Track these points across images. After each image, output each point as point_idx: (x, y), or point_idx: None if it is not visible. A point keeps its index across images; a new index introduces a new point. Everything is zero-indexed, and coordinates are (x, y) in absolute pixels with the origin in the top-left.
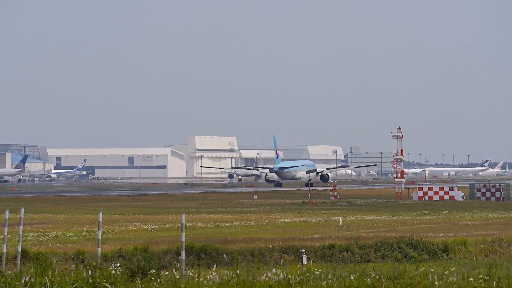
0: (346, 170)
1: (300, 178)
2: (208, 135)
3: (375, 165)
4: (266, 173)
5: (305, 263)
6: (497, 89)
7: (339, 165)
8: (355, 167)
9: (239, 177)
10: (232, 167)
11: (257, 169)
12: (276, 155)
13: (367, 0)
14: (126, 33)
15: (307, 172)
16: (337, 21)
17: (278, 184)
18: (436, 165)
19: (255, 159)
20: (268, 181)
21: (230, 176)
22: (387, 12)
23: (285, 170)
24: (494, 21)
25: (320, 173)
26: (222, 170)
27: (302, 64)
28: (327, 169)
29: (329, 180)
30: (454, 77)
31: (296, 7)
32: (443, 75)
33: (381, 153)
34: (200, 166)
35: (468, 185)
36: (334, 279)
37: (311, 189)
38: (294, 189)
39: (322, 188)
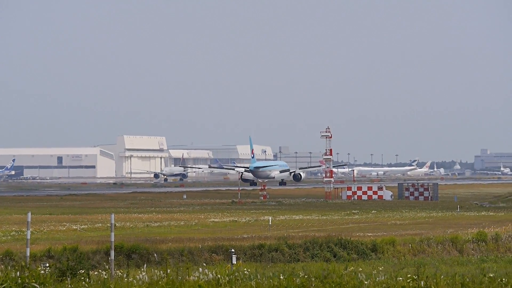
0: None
1: (274, 177)
2: (137, 135)
3: (346, 164)
4: (242, 172)
5: (235, 262)
6: (424, 89)
7: (312, 166)
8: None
9: (165, 177)
10: (209, 166)
11: (233, 169)
12: (252, 155)
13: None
14: (52, 32)
15: (281, 171)
16: (261, 20)
17: (253, 183)
18: (365, 164)
19: (181, 158)
20: (244, 180)
21: (156, 176)
22: (307, 14)
23: (260, 169)
24: (420, 24)
25: (293, 173)
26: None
27: (230, 65)
28: (300, 168)
29: (302, 179)
30: (382, 77)
31: (217, 7)
32: (371, 75)
33: (310, 152)
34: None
35: (397, 185)
36: (264, 279)
37: (240, 188)
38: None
39: (251, 188)
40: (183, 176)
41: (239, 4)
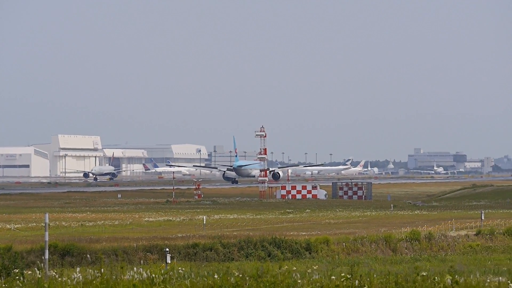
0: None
1: (254, 176)
2: (72, 134)
3: (322, 164)
4: (225, 171)
5: (169, 262)
6: (358, 89)
7: (295, 164)
8: (304, 166)
9: (94, 176)
10: (194, 165)
11: (216, 168)
12: (235, 154)
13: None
14: None
15: (261, 170)
16: (195, 20)
17: (234, 181)
18: (299, 163)
19: (111, 157)
20: (226, 178)
21: (85, 175)
22: (239, 13)
23: (243, 168)
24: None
25: (272, 172)
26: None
27: (164, 64)
28: (279, 167)
29: (280, 178)
30: (316, 77)
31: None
32: (305, 74)
33: (245, 152)
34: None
35: (331, 184)
36: (198, 278)
37: (175, 188)
38: (243, 186)
39: (186, 187)
40: (113, 175)
41: (175, 4)
